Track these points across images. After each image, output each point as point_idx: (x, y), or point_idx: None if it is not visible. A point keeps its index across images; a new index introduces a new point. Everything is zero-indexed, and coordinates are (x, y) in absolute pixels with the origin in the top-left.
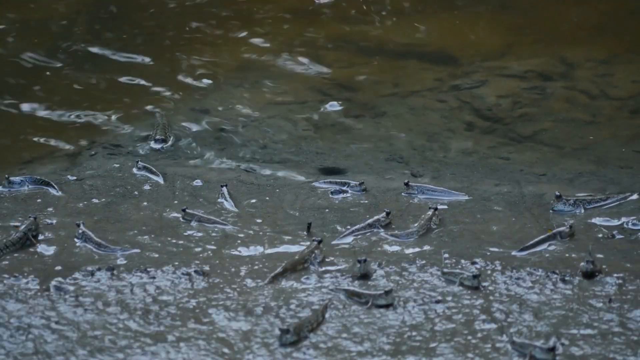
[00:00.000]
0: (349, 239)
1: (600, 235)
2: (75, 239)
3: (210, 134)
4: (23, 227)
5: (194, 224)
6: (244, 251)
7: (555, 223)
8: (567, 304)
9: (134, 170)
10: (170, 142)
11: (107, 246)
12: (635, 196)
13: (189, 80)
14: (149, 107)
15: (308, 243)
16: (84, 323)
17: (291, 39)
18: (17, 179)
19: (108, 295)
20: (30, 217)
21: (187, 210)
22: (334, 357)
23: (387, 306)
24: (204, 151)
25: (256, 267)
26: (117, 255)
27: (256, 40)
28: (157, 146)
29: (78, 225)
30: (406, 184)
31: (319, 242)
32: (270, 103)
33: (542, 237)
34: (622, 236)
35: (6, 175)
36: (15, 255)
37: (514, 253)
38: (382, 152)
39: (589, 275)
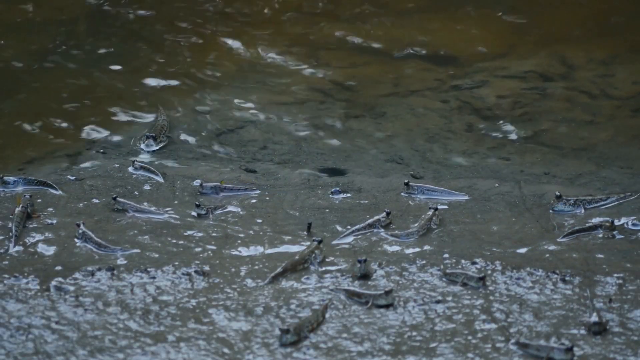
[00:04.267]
0: (349, 239)
1: (600, 235)
2: (76, 239)
3: (210, 134)
4: (18, 208)
5: (129, 213)
6: (244, 251)
7: (556, 223)
8: (567, 304)
9: (131, 169)
10: (161, 144)
11: (107, 246)
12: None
13: (189, 80)
14: (149, 108)
15: (308, 243)
16: (84, 323)
17: (291, 39)
18: (11, 179)
19: (108, 295)
20: (25, 196)
21: (117, 199)
22: (334, 357)
23: (387, 306)
24: (204, 151)
25: (256, 267)
26: (117, 255)
27: (257, 41)
28: (146, 147)
29: (78, 226)
30: (406, 184)
31: (319, 242)
32: (270, 103)
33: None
34: (622, 236)
35: (0, 175)
36: (16, 255)
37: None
38: (382, 152)
39: (597, 333)
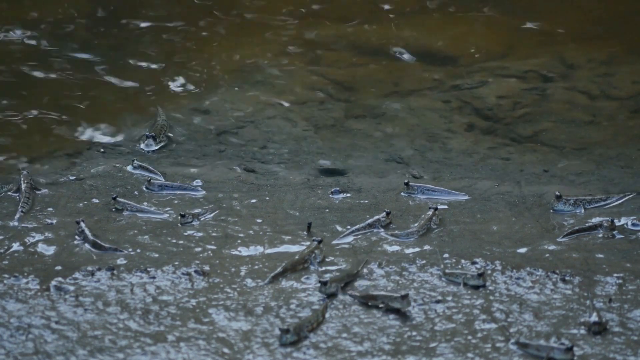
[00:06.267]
0: (349, 239)
1: (600, 235)
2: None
3: (210, 134)
4: (24, 184)
5: (126, 213)
6: (244, 251)
7: (556, 223)
8: (567, 304)
9: (129, 168)
10: (161, 144)
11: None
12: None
13: (189, 80)
14: (149, 108)
15: (308, 243)
16: (84, 323)
17: (291, 39)
18: None
19: (108, 295)
20: (24, 172)
21: (117, 198)
22: (334, 357)
23: (401, 310)
24: (204, 151)
25: (256, 267)
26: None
27: (256, 40)
28: (146, 147)
29: (78, 223)
30: (406, 184)
31: (319, 242)
32: (270, 103)
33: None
34: (622, 236)
35: None
36: (16, 255)
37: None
38: (382, 152)
39: (597, 333)
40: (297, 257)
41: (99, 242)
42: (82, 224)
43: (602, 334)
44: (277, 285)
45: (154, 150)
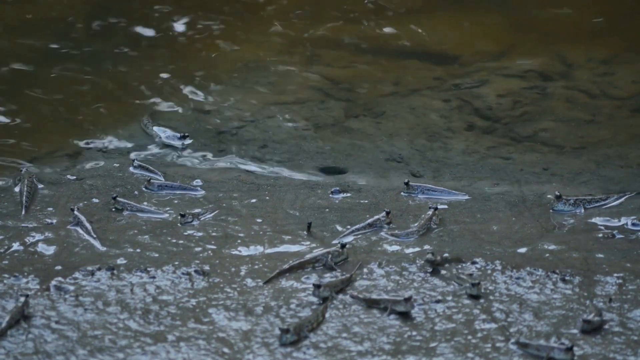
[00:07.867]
0: (349, 239)
1: (600, 235)
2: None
3: (210, 134)
4: (25, 182)
5: (126, 213)
6: (244, 251)
7: (556, 223)
8: (567, 304)
9: (131, 169)
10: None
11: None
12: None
13: (189, 80)
14: (149, 108)
15: (308, 243)
16: (84, 323)
17: (291, 39)
18: None
19: (108, 295)
20: (23, 170)
21: (117, 198)
22: (334, 356)
23: (405, 313)
24: (204, 151)
25: (256, 266)
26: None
27: (256, 40)
28: (176, 140)
29: (72, 210)
30: (406, 184)
31: (343, 246)
32: (270, 103)
33: None
34: (622, 236)
35: None
36: (16, 254)
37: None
38: (382, 151)
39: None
40: (314, 255)
41: (93, 233)
42: (77, 212)
43: (602, 334)
44: (276, 285)
45: (180, 137)
